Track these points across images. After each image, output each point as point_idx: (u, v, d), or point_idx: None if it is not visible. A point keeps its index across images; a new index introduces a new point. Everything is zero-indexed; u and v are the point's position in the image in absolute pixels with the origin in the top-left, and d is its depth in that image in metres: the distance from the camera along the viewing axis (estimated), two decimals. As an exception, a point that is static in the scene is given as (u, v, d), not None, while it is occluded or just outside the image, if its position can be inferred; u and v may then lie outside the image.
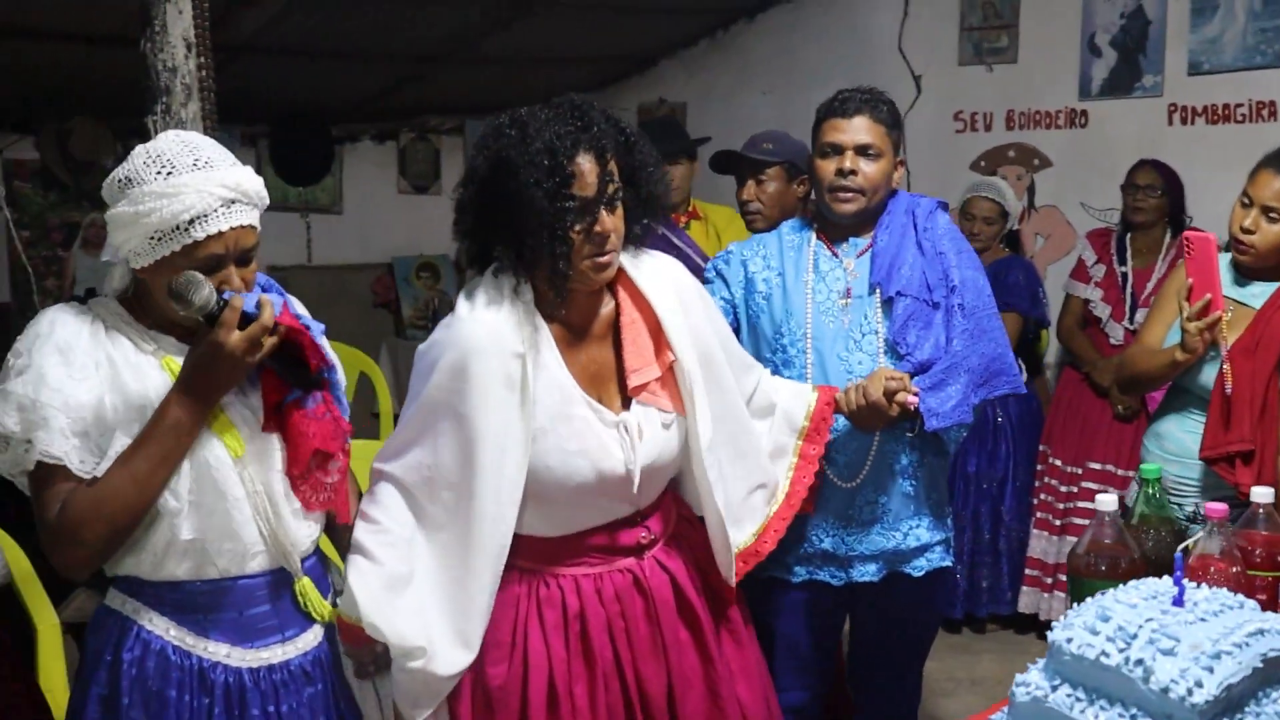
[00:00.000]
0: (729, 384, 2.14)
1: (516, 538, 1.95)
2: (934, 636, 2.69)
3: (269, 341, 1.74)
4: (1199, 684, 1.24)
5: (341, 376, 1.97)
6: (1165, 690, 1.25)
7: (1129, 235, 4.20)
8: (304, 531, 1.88)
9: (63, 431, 1.70)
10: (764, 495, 2.24)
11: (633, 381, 1.99)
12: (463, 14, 5.07)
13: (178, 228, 1.69)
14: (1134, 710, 1.28)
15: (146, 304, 1.81)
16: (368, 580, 1.89)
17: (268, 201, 1.83)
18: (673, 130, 4.20)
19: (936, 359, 2.39)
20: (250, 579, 1.84)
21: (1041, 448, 4.35)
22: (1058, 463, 4.23)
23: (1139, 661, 1.28)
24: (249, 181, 1.77)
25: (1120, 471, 4.04)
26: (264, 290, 1.90)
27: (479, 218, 1.93)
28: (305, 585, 1.89)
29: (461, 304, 1.95)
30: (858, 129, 2.44)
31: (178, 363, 1.77)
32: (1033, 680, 1.37)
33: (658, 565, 2.07)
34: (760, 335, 2.52)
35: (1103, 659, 1.30)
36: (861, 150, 2.43)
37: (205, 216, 1.70)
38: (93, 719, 1.81)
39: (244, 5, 4.49)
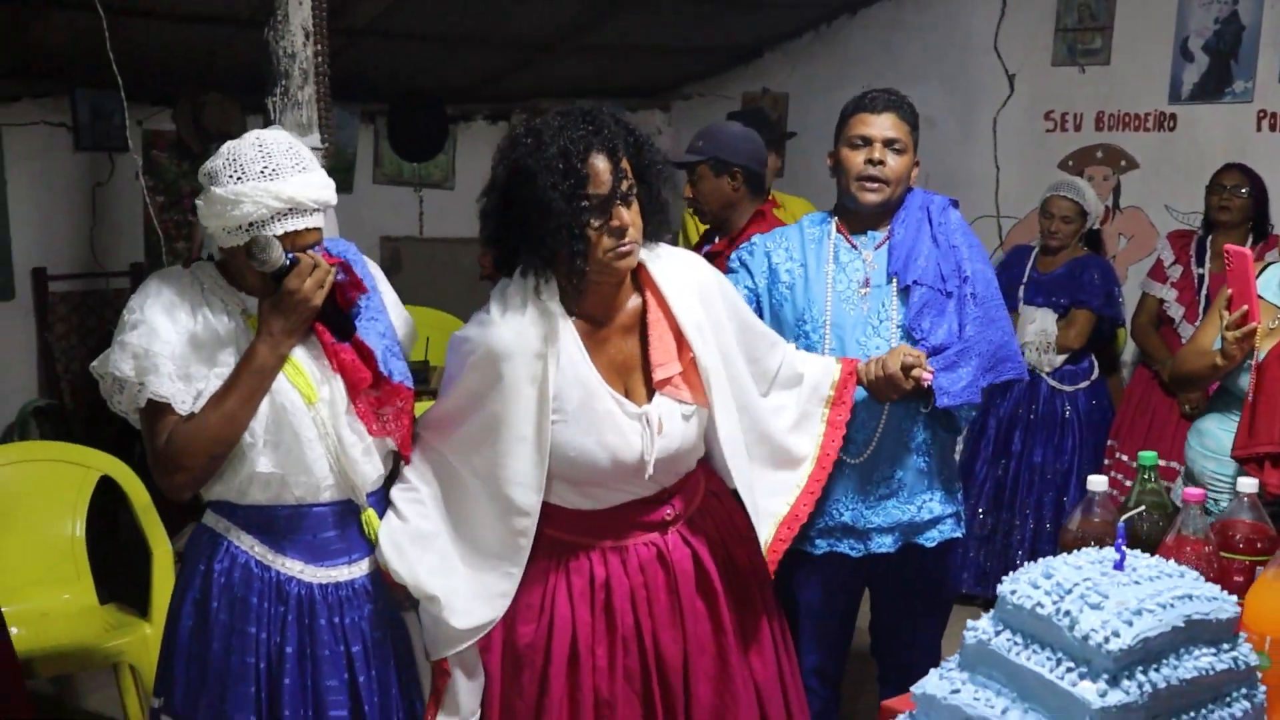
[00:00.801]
0: (744, 374, 2.29)
1: (550, 508, 2.15)
2: (950, 604, 2.87)
3: (328, 281, 2.00)
4: (1116, 634, 1.41)
5: (384, 309, 2.22)
6: (1085, 638, 1.41)
7: (1210, 237, 4.26)
8: (369, 468, 2.13)
9: (170, 376, 1.99)
10: (791, 466, 2.41)
11: (657, 375, 2.15)
12: (569, 3, 5.31)
13: (239, 228, 1.96)
14: (1060, 654, 1.45)
15: (236, 269, 2.09)
16: (394, 534, 2.13)
17: (333, 201, 2.08)
18: (758, 123, 4.37)
19: (950, 344, 2.54)
20: (322, 507, 2.11)
21: (1110, 442, 4.43)
22: (1124, 458, 4.32)
23: (1067, 612, 1.45)
24: (306, 191, 1.99)
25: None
26: (340, 255, 2.17)
27: (501, 223, 2.08)
28: (370, 516, 2.15)
29: (492, 305, 2.12)
30: (886, 124, 2.59)
31: (257, 320, 2.05)
32: (981, 626, 1.55)
33: (681, 539, 2.23)
34: (783, 322, 2.67)
35: (1038, 609, 1.48)
36: (889, 144, 2.58)
37: (260, 224, 1.96)
38: (187, 619, 2.12)
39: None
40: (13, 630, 3.26)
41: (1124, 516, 1.60)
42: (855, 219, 2.67)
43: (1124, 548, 1.56)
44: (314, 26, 3.36)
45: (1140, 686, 1.41)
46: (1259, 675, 1.57)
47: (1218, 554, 1.89)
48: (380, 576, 2.19)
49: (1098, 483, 2.00)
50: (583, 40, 5.83)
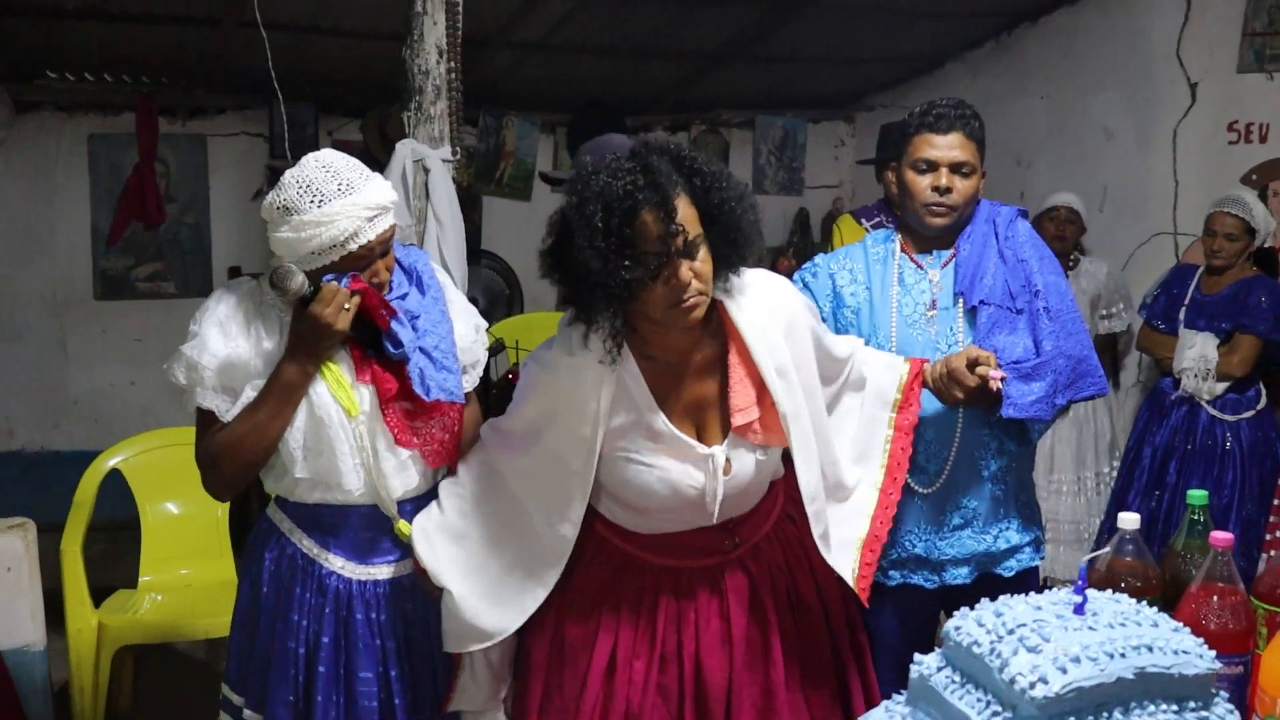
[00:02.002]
0: (823, 407, 2.21)
1: (608, 521, 2.16)
2: None
3: (353, 304, 2.08)
4: (1044, 680, 1.34)
5: (445, 319, 2.29)
6: (1012, 681, 1.36)
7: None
8: (398, 482, 2.21)
9: (214, 389, 2.13)
10: (862, 486, 2.32)
11: (736, 421, 2.06)
12: (742, 13, 5.34)
13: (334, 246, 2.06)
14: (990, 698, 1.41)
15: None
16: (429, 523, 2.20)
17: (397, 199, 2.18)
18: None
19: (1025, 359, 2.43)
20: (364, 509, 2.22)
21: (1280, 481, 4.12)
22: (1295, 498, 4.01)
23: (999, 654, 1.40)
24: (384, 194, 2.11)
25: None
26: (405, 269, 2.28)
27: (553, 265, 2.00)
28: (400, 525, 2.22)
29: (558, 340, 2.09)
30: (952, 145, 2.47)
31: None
32: (927, 661, 1.51)
33: (740, 566, 2.17)
34: None
35: (974, 647, 1.43)
36: (956, 168, 2.47)
37: (356, 234, 2.07)
38: (243, 599, 2.29)
39: (529, 9, 4.97)
40: (157, 597, 3.59)
41: (1086, 557, 1.52)
42: (920, 238, 2.58)
43: (1085, 590, 1.49)
44: (447, 45, 3.52)
45: (1070, 739, 1.35)
46: (1241, 738, 1.48)
47: (1248, 604, 1.76)
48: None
49: (1129, 520, 1.89)
50: (760, 50, 5.85)
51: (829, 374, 2.28)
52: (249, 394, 2.13)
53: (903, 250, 2.60)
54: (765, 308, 2.10)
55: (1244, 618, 1.74)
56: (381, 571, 2.25)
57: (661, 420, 2.05)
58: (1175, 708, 1.42)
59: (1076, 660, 1.38)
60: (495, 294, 6.11)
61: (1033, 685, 1.35)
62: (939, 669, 1.49)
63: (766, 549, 2.21)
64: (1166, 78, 4.90)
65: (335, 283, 2.08)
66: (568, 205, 1.93)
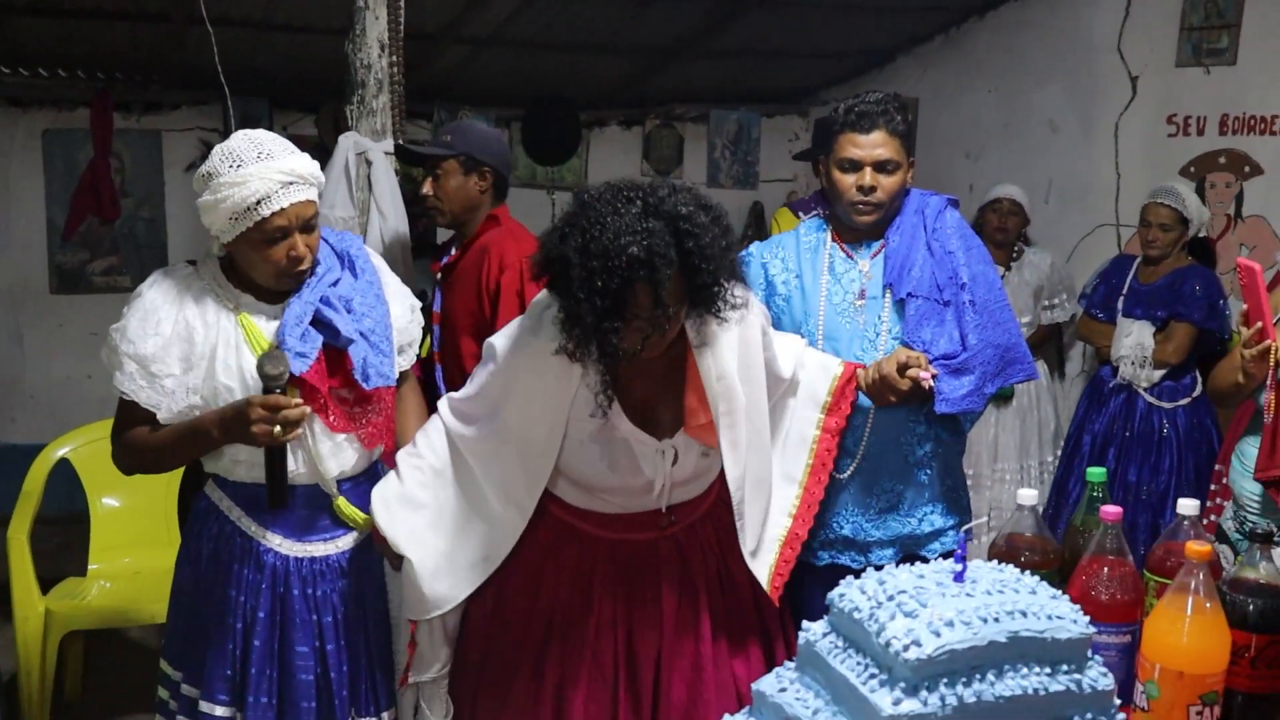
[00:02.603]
0: (766, 422, 2.28)
1: (552, 495, 2.23)
2: None
3: (287, 433, 2.12)
4: (917, 643, 1.41)
5: (381, 302, 2.35)
6: (887, 644, 1.42)
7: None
8: (333, 463, 2.28)
9: (131, 375, 2.17)
10: (789, 484, 2.40)
11: (689, 422, 2.17)
12: (690, 9, 5.39)
13: (248, 208, 2.11)
14: (869, 661, 1.47)
15: (235, 268, 2.25)
16: (388, 492, 2.25)
17: (323, 180, 2.23)
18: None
19: (953, 353, 2.48)
20: (302, 488, 2.28)
21: (1218, 467, 4.20)
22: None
23: (877, 619, 1.46)
24: (303, 166, 2.17)
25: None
26: (338, 253, 2.33)
27: (548, 280, 2.02)
28: (340, 504, 2.30)
29: (530, 324, 2.14)
30: (875, 144, 2.51)
31: (250, 319, 2.21)
32: (814, 628, 1.57)
33: (674, 544, 2.27)
34: (784, 330, 2.64)
35: (855, 613, 1.49)
36: (880, 166, 2.51)
37: (269, 197, 2.11)
38: (182, 576, 2.35)
39: (476, 4, 5.00)
40: (105, 584, 3.62)
41: (964, 528, 1.59)
42: (851, 229, 2.63)
43: (964, 559, 1.55)
44: (389, 39, 3.55)
45: (943, 699, 1.41)
46: (1114, 701, 1.54)
47: (1138, 576, 1.84)
48: (358, 555, 2.35)
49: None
50: (713, 45, 5.90)
51: (771, 388, 2.33)
52: (167, 383, 2.17)
53: (834, 240, 2.65)
54: (718, 341, 2.16)
55: (1131, 588, 1.81)
56: (318, 549, 2.31)
57: (621, 416, 2.13)
58: (1048, 670, 1.49)
59: (950, 624, 1.44)
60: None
61: (906, 648, 1.41)
62: (824, 635, 1.55)
63: (700, 529, 2.29)
64: (1108, 71, 4.99)
65: (292, 399, 2.13)
66: (571, 237, 1.94)
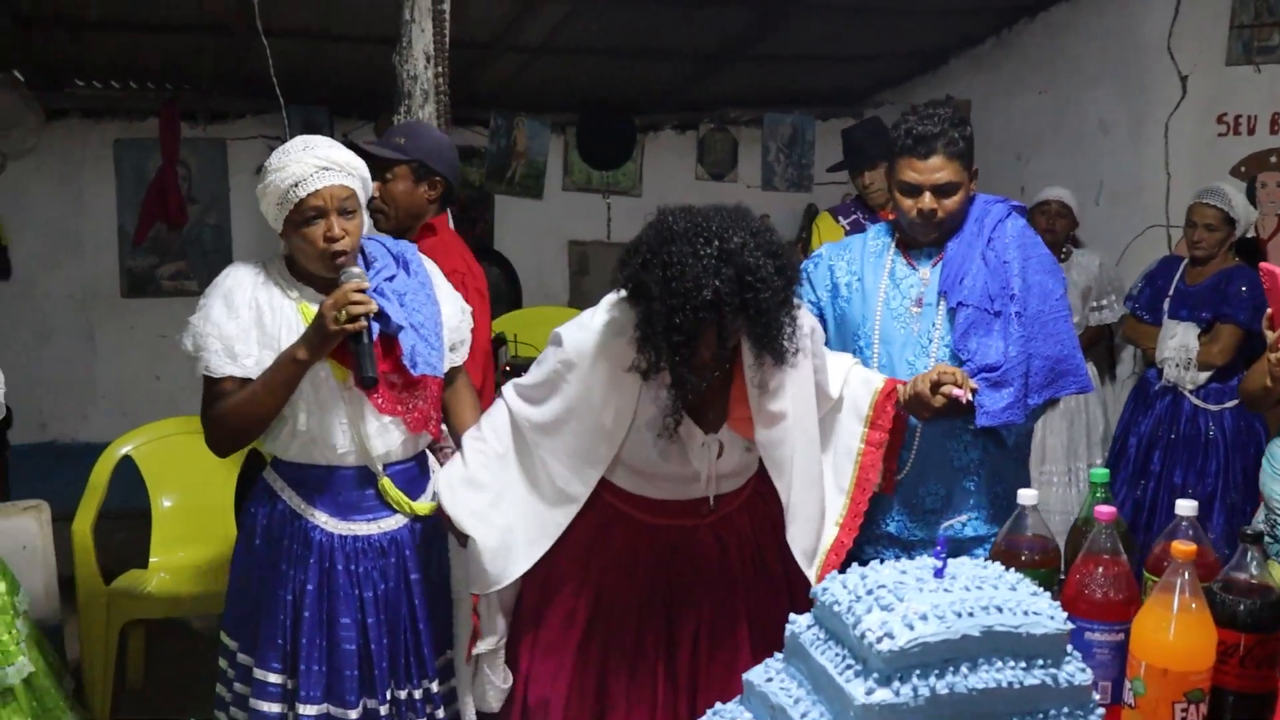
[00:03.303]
0: (815, 432, 2.36)
1: (603, 478, 2.33)
2: None
3: (356, 311, 2.27)
4: (890, 635, 1.46)
5: (432, 302, 2.52)
6: (862, 636, 1.48)
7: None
8: (380, 442, 2.41)
9: (217, 353, 2.34)
10: (835, 495, 2.47)
11: (733, 415, 2.27)
12: (735, 14, 5.45)
13: (287, 191, 2.31)
14: (847, 652, 1.53)
15: (296, 262, 2.43)
16: (452, 474, 2.40)
17: (365, 173, 2.40)
18: (878, 134, 4.37)
19: (997, 365, 2.50)
20: (346, 470, 2.43)
21: (1266, 469, 4.16)
22: None
23: (855, 612, 1.52)
24: (342, 156, 2.36)
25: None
26: (394, 255, 2.51)
27: (629, 292, 2.14)
28: (385, 484, 2.45)
29: (600, 312, 2.25)
30: (934, 168, 2.54)
31: (309, 308, 2.38)
32: (800, 620, 1.63)
33: (712, 532, 2.37)
34: (844, 334, 2.72)
35: (835, 606, 1.55)
36: (939, 190, 2.56)
37: (304, 180, 2.30)
38: (240, 555, 2.52)
39: (526, 14, 5.11)
40: (165, 576, 3.78)
41: (944, 525, 1.64)
42: (914, 238, 2.67)
43: (944, 556, 1.60)
44: (435, 50, 3.66)
45: (915, 690, 1.46)
46: (1093, 696, 1.58)
47: (1130, 576, 1.87)
48: (401, 536, 2.49)
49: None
50: (763, 49, 5.94)
51: (820, 404, 2.41)
52: (248, 363, 2.34)
53: (898, 246, 2.70)
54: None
55: (1125, 588, 1.84)
56: (361, 528, 2.45)
57: (675, 403, 2.22)
58: (1024, 664, 1.53)
59: (924, 618, 1.49)
60: (496, 292, 6.26)
61: (880, 639, 1.47)
62: (808, 627, 1.61)
63: (737, 518, 2.40)
64: (1158, 71, 4.95)
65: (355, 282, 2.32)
66: (653, 268, 2.05)
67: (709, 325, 2.05)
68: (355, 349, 2.31)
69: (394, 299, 2.42)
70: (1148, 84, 5.02)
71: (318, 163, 2.31)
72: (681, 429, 2.24)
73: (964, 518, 2.64)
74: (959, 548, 2.64)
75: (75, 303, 5.89)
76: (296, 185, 2.30)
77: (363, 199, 2.41)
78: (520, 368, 2.64)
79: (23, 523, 3.40)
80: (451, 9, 3.69)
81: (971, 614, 1.51)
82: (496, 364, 4.73)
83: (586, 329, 2.26)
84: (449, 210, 3.31)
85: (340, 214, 2.34)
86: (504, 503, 2.36)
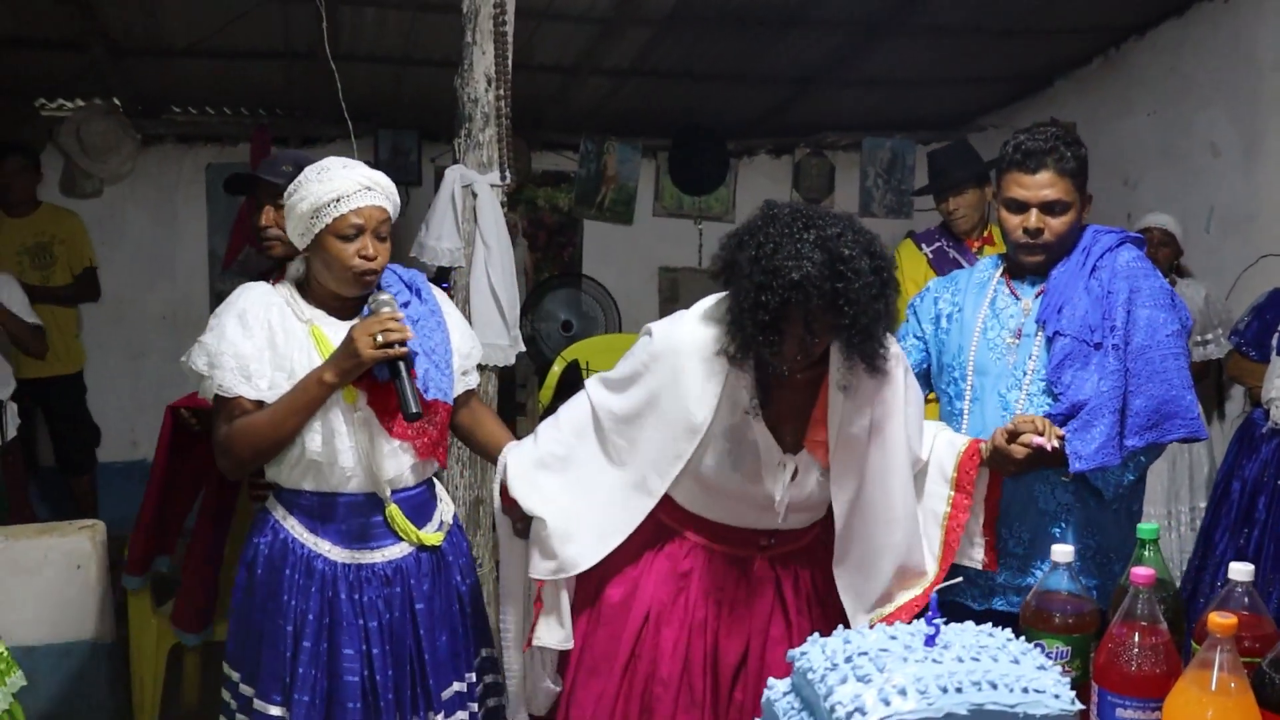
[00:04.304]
0: (900, 478, 2.23)
1: (667, 496, 2.24)
2: None
3: (390, 340, 2.24)
4: (861, 710, 1.32)
5: (442, 328, 2.49)
6: (832, 710, 1.34)
7: None
8: (394, 465, 2.36)
9: (232, 372, 2.30)
10: (932, 559, 2.33)
11: (809, 436, 2.18)
12: (827, 36, 5.31)
13: (328, 203, 2.28)
14: (818, 725, 1.38)
15: (311, 285, 2.41)
16: (521, 456, 2.33)
17: (384, 183, 2.36)
18: (964, 157, 4.19)
19: (1089, 402, 2.35)
20: (350, 497, 2.37)
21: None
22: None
23: (828, 682, 1.38)
24: (381, 178, 2.35)
25: None
26: (405, 283, 2.48)
27: (719, 280, 2.12)
28: (393, 511, 2.38)
29: (696, 308, 2.20)
30: (1042, 184, 2.43)
31: (321, 331, 2.35)
32: (777, 685, 1.49)
33: (768, 563, 2.26)
34: (942, 365, 2.61)
35: (809, 674, 1.41)
36: (1046, 208, 2.43)
37: (347, 195, 2.28)
38: (240, 582, 2.46)
39: (611, 36, 5.05)
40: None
41: (940, 585, 1.48)
42: (1019, 265, 2.55)
43: (935, 620, 1.45)
44: (496, 73, 3.60)
45: (889, 774, 1.31)
46: (1105, 783, 1.41)
47: (1171, 646, 1.67)
48: (407, 565, 2.42)
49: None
50: (858, 72, 5.79)
51: (916, 428, 2.30)
52: (261, 384, 2.30)
53: (1003, 276, 2.59)
54: (859, 391, 2.15)
55: (1164, 660, 1.65)
56: (364, 557, 2.39)
57: (759, 417, 2.15)
58: (1021, 749, 1.37)
59: (903, 693, 1.35)
60: (589, 317, 6.19)
61: (849, 715, 1.33)
62: (784, 694, 1.48)
63: (794, 559, 2.29)
64: (1274, 90, 4.64)
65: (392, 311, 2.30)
66: (747, 247, 2.03)
67: (796, 310, 1.97)
68: (396, 383, 2.28)
69: (409, 326, 2.37)
70: (1263, 104, 4.71)
71: (362, 181, 2.31)
72: (760, 442, 2.15)
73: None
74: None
75: (167, 324, 6.02)
76: (339, 200, 2.28)
77: (392, 220, 2.39)
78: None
79: (77, 542, 3.43)
80: (529, 31, 3.65)
81: (960, 689, 1.36)
82: (572, 392, 4.66)
83: (678, 322, 2.21)
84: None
85: (375, 236, 2.33)
86: (575, 489, 2.28)
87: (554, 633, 2.31)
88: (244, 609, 2.44)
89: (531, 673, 2.36)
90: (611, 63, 5.45)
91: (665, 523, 2.28)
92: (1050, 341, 2.44)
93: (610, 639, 2.28)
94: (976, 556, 2.38)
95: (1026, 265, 2.52)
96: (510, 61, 3.67)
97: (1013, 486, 2.43)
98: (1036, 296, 2.51)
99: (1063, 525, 2.47)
